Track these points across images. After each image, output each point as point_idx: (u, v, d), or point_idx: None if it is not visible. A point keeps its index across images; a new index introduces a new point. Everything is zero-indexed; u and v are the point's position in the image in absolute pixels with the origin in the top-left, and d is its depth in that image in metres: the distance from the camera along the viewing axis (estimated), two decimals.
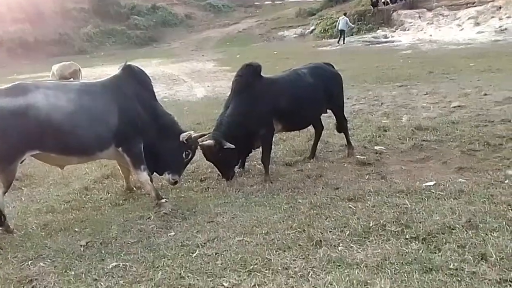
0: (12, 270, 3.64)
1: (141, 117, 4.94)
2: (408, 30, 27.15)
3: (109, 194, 5.41)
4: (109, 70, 23.76)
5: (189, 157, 5.41)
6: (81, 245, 4.01)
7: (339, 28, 27.39)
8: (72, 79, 16.97)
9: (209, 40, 37.87)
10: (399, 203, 4.47)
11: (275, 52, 24.71)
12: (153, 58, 28.69)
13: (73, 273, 3.53)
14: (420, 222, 3.96)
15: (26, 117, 4.11)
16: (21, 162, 4.39)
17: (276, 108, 5.66)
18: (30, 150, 4.28)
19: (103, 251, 3.88)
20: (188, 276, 3.36)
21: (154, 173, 5.27)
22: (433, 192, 4.73)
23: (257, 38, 36.40)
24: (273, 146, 7.04)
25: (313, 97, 6.02)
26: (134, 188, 5.51)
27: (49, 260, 3.78)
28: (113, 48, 38.16)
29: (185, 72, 20.25)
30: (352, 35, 29.13)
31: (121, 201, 5.15)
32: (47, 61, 28.08)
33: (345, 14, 28.65)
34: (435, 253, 3.48)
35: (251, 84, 5.61)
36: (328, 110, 6.57)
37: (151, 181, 5.00)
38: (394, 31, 27.61)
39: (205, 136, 5.54)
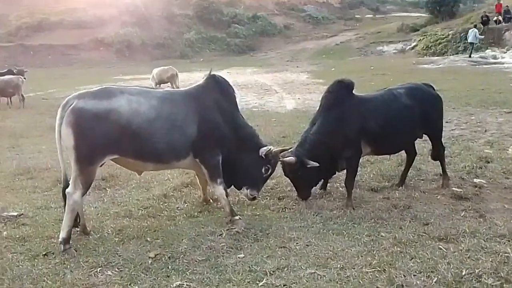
0: (81, 276, 3.64)
1: (221, 129, 4.83)
2: None
3: (186, 204, 5.35)
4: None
5: (269, 173, 5.19)
6: (149, 257, 3.93)
7: (469, 41, 26.25)
8: (169, 83, 17.76)
9: (305, 52, 37.75)
10: (499, 250, 3.91)
11: (371, 67, 23.97)
12: (248, 67, 29.18)
13: (137, 287, 3.44)
14: None
15: (108, 120, 4.16)
16: (101, 165, 4.43)
17: (366, 130, 5.28)
18: (110, 154, 4.30)
19: (169, 267, 3.77)
20: None
21: (232, 187, 5.13)
22: None
23: (354, 52, 35.62)
24: (359, 169, 6.64)
25: (408, 120, 5.55)
26: (211, 200, 5.42)
27: (117, 269, 3.75)
28: (212, 54, 39.39)
29: (278, 83, 20.26)
30: (457, 53, 27.46)
31: (196, 213, 5.06)
32: (150, 64, 29.65)
33: (475, 26, 27.10)
34: None
35: (341, 101, 5.28)
36: (424, 135, 6.04)
37: (227, 195, 4.86)
38: (505, 52, 25.50)
39: (287, 152, 5.30)
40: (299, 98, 15.18)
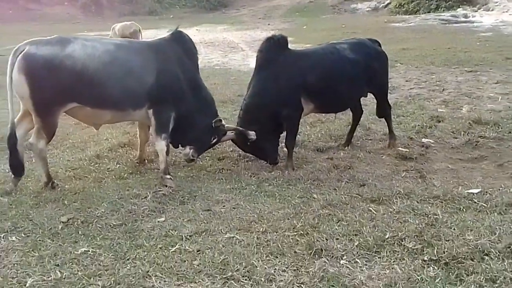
0: None
1: (180, 84, 4.71)
2: (492, 10, 24.67)
3: (118, 165, 5.08)
4: None
5: (215, 141, 5.06)
6: (61, 222, 3.68)
7: None
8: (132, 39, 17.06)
9: (279, 9, 36.79)
10: (429, 212, 3.78)
11: (343, 25, 23.49)
12: (219, 24, 28.32)
13: (38, 254, 3.20)
14: (448, 241, 3.27)
15: (62, 66, 4.07)
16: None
17: (305, 85, 5.02)
18: (69, 102, 4.22)
19: (80, 232, 3.52)
20: (155, 276, 2.92)
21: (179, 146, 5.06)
22: (475, 202, 3.97)
23: (328, 9, 34.86)
24: (308, 128, 6.49)
25: (351, 75, 5.29)
26: (146, 161, 5.17)
27: (23, 235, 3.49)
28: (182, 11, 38.10)
29: (246, 41, 19.69)
30: (429, 12, 27.14)
31: (125, 175, 4.80)
32: (118, 20, 28.35)
33: None
34: (455, 284, 2.81)
35: (272, 59, 5.00)
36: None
37: (167, 153, 4.72)
38: (476, 11, 25.19)
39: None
40: None
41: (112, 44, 4.52)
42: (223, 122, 4.98)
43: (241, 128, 5.00)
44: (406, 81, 9.85)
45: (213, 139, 5.02)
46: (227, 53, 16.14)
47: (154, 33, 22.32)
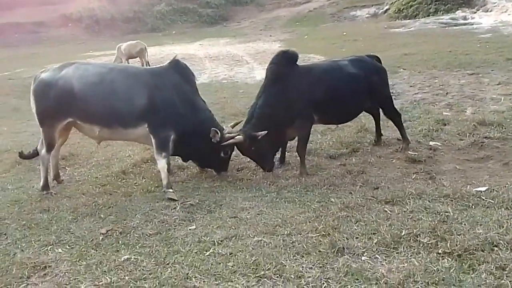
0: (31, 255, 3.69)
1: (175, 108, 5.00)
2: (491, 11, 24.99)
3: (144, 180, 5.40)
4: (177, 49, 24.22)
5: (229, 154, 5.40)
6: (101, 233, 3.99)
7: None
8: (138, 57, 17.41)
9: (279, 20, 37.26)
10: (440, 210, 4.05)
11: (344, 33, 23.85)
12: (221, 38, 28.74)
13: (85, 263, 3.51)
14: (459, 235, 3.55)
15: (56, 87, 4.83)
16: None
17: (312, 99, 5.33)
18: (64, 117, 4.91)
19: (120, 241, 3.83)
20: (195, 277, 3.22)
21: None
22: (483, 199, 4.24)
23: (327, 18, 35.29)
24: (319, 136, 6.79)
25: (353, 89, 5.63)
26: None
27: (67, 247, 3.81)
28: (184, 26, 38.63)
29: (250, 53, 20.06)
30: (428, 15, 27.49)
31: (153, 188, 5.12)
32: (121, 38, 28.92)
33: None
34: (468, 273, 3.08)
35: (284, 73, 5.29)
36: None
37: (168, 170, 5.05)
38: (475, 12, 25.51)
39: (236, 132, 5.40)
40: None
41: (106, 68, 5.13)
42: (219, 134, 5.10)
43: (236, 134, 5.24)
44: (410, 86, 10.12)
45: (226, 153, 5.33)
46: (232, 66, 16.48)
47: (159, 49, 22.82)
